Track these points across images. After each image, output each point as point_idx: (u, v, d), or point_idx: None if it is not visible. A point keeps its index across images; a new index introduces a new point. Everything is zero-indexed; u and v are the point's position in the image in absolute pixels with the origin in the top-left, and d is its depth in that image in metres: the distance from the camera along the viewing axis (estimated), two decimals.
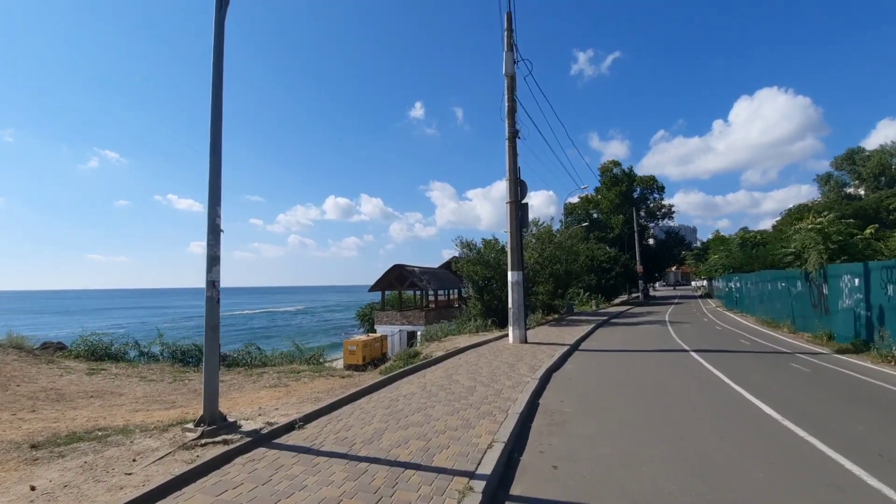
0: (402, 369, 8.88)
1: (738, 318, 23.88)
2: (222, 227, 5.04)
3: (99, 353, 9.98)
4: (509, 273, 13.92)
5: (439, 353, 11.67)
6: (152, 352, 10.48)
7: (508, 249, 13.99)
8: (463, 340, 15.12)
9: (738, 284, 29.51)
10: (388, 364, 12.56)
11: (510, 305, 13.80)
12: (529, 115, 17.22)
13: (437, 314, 41.27)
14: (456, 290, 48.83)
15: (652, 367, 9.88)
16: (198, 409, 6.11)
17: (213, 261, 4.99)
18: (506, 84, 14.28)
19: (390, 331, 40.63)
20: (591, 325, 19.63)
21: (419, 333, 38.87)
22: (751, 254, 30.22)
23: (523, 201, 14.22)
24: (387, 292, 46.05)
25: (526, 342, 13.63)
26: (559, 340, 14.37)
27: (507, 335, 15.46)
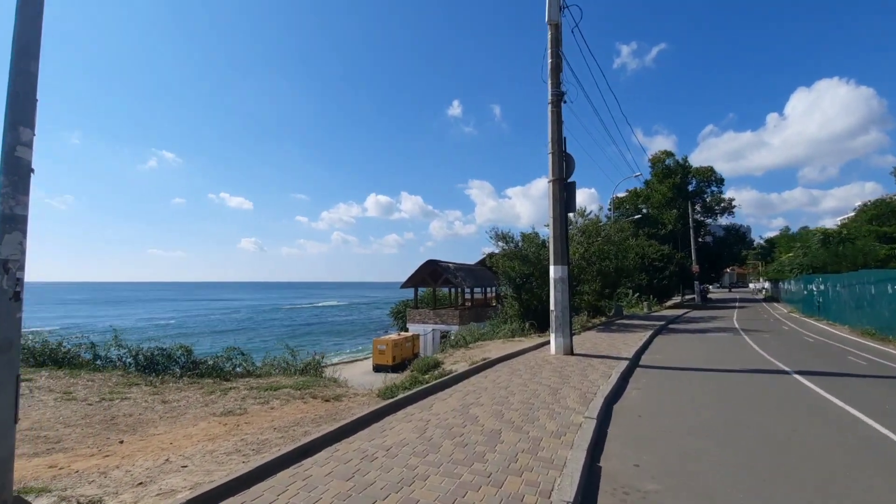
0: (403, 394, 6.53)
1: (825, 328, 20.08)
2: (33, 166, 2.81)
3: (41, 357, 8.19)
4: (551, 268, 11.29)
5: (461, 367, 9.24)
6: (110, 356, 8.62)
7: (551, 238, 11.36)
8: (494, 348, 12.62)
9: (821, 287, 25.36)
10: (397, 379, 10.28)
11: (552, 307, 11.18)
12: (577, 77, 14.29)
13: (472, 313, 38.78)
14: (493, 288, 46.19)
15: (753, 400, 7.07)
16: (88, 459, 4.02)
17: (7, 223, 2.75)
18: (549, 35, 11.63)
19: (423, 330, 38.50)
20: (648, 332, 16.61)
21: (452, 334, 36.62)
22: (836, 252, 25.95)
23: (569, 179, 11.55)
24: (420, 289, 44.00)
25: (572, 353, 10.97)
26: (613, 352, 11.61)
27: (547, 343, 12.83)
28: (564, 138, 11.58)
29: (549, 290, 21.06)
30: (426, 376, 8.45)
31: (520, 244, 20.29)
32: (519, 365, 9.41)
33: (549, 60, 11.58)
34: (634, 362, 10.49)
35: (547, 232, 25.66)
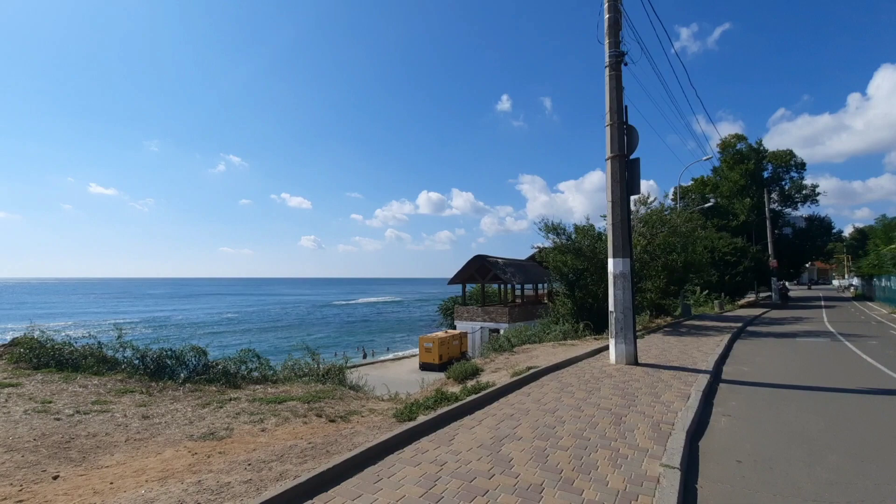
0: (421, 418, 5.21)
1: None
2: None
3: (44, 358, 7.59)
4: (610, 261, 9.56)
5: (501, 378, 7.79)
6: (123, 356, 7.92)
7: (609, 226, 9.61)
8: (543, 354, 11.04)
9: None
10: (427, 390, 9.03)
11: (611, 307, 9.45)
12: (640, 39, 12.34)
13: (522, 311, 36.96)
14: (544, 285, 44.03)
15: (891, 435, 5.14)
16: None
17: None
18: None
19: (471, 328, 37.14)
20: (725, 336, 14.34)
21: (501, 333, 35.01)
22: None
23: (632, 156, 9.74)
24: (468, 286, 42.62)
25: (636, 363, 9.20)
26: (686, 361, 9.72)
27: (605, 348, 11.08)
28: (625, 107, 9.77)
29: (606, 287, 19.12)
30: (457, 389, 7.08)
31: (573, 236, 18.44)
32: (571, 378, 7.82)
33: (606, 15, 9.80)
34: (716, 376, 8.59)
35: (604, 225, 23.53)
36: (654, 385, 7.31)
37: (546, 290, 46.27)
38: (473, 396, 6.15)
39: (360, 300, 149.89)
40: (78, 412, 5.51)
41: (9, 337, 8.41)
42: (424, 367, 33.11)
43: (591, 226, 19.53)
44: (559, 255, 17.95)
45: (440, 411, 5.31)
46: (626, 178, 9.63)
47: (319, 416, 5.87)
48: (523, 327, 21.27)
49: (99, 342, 8.26)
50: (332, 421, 5.68)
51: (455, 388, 9.40)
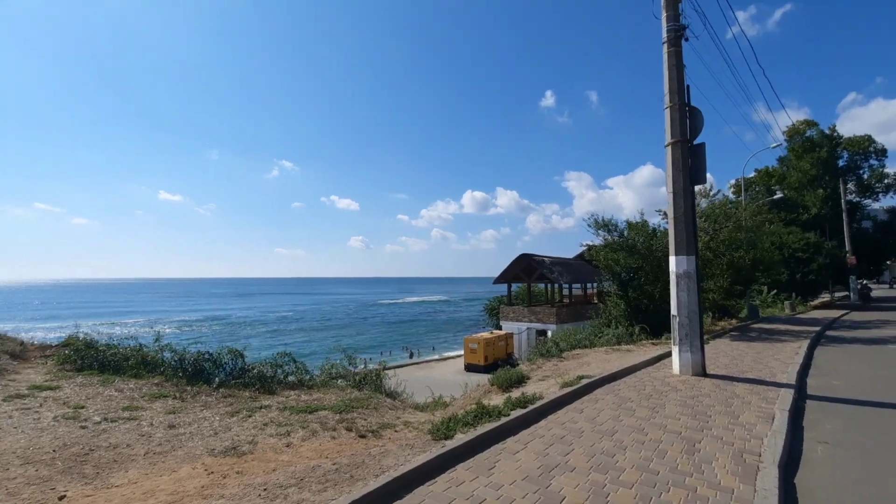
0: (459, 439, 4.62)
1: None
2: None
3: (88, 360, 7.62)
4: (672, 259, 8.57)
5: (549, 389, 7.06)
6: (163, 358, 7.86)
7: (671, 220, 8.62)
8: (595, 360, 10.17)
9: None
10: (465, 402, 8.45)
11: (674, 310, 8.47)
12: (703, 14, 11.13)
13: (571, 312, 35.60)
14: (594, 284, 42.29)
15: None
16: None
17: None
18: None
19: (517, 328, 36.17)
20: (803, 342, 12.83)
21: (549, 334, 33.76)
22: None
23: (696, 141, 8.71)
24: (514, 285, 41.61)
25: (704, 373, 8.19)
26: (762, 373, 8.59)
27: (665, 356, 10.07)
28: (687, 86, 8.75)
29: (662, 287, 17.80)
30: (500, 400, 6.43)
31: (625, 233, 17.26)
32: (629, 391, 6.97)
33: None
34: (800, 391, 7.45)
35: (659, 220, 22.06)
36: (728, 402, 6.36)
37: (595, 290, 44.51)
38: (519, 413, 5.49)
39: (407, 299, 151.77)
40: (106, 419, 5.33)
41: (80, 333, 8.55)
42: (469, 368, 32.53)
43: (645, 222, 18.26)
44: (611, 253, 16.84)
45: (480, 432, 4.69)
46: (690, 165, 8.62)
47: (349, 429, 5.41)
48: (573, 329, 20.26)
49: (140, 344, 8.25)
50: (363, 436, 5.20)
51: (498, 398, 8.76)
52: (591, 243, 19.38)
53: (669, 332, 16.18)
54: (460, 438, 4.67)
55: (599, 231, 16.95)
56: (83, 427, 5.05)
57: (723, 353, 11.04)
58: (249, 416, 5.82)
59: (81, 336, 8.35)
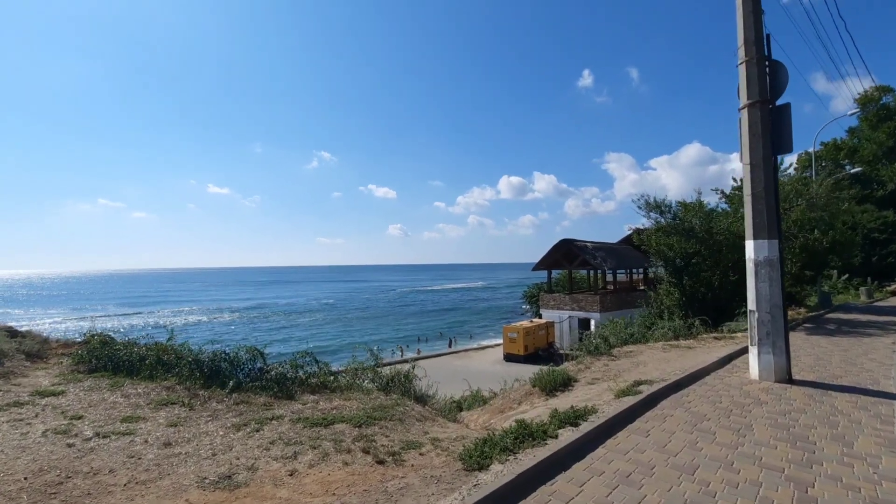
0: (494, 477, 3.69)
1: None
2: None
3: (103, 360, 7.19)
4: (750, 244, 7.23)
5: (601, 401, 6.00)
6: (175, 358, 7.33)
7: (749, 197, 7.25)
8: (651, 359, 8.99)
9: None
10: (503, 417, 7.53)
11: (751, 304, 7.15)
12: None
13: (615, 299, 33.87)
14: (639, 270, 40.19)
15: None
16: None
17: None
18: None
19: (558, 317, 34.80)
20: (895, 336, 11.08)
21: (593, 323, 32.22)
22: None
23: (777, 102, 7.28)
24: (554, 272, 40.09)
25: (790, 380, 6.87)
26: (860, 378, 7.18)
27: (737, 355, 8.75)
28: (767, 35, 7.29)
29: (721, 275, 16.13)
30: (543, 410, 5.44)
31: (679, 214, 15.70)
32: (702, 403, 5.81)
33: None
34: None
35: (716, 200, 20.12)
36: (831, 421, 5.12)
37: (641, 276, 42.31)
38: (569, 434, 4.50)
39: (445, 286, 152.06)
40: (98, 434, 4.76)
41: (99, 329, 8.23)
42: (509, 358, 31.59)
43: (701, 202, 16.55)
44: (663, 236, 15.35)
45: (523, 467, 3.74)
46: (771, 130, 7.21)
47: (367, 451, 4.60)
48: (619, 319, 18.93)
49: (156, 342, 7.78)
50: (381, 462, 4.37)
51: (541, 403, 7.78)
52: (639, 226, 17.87)
53: (730, 323, 14.64)
54: (497, 472, 3.75)
55: (650, 213, 15.50)
56: (70, 445, 4.47)
57: (803, 350, 9.57)
58: (257, 431, 5.12)
59: (98, 334, 7.97)
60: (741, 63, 7.43)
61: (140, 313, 78.97)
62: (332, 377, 7.80)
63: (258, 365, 7.56)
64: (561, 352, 32.40)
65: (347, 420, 5.59)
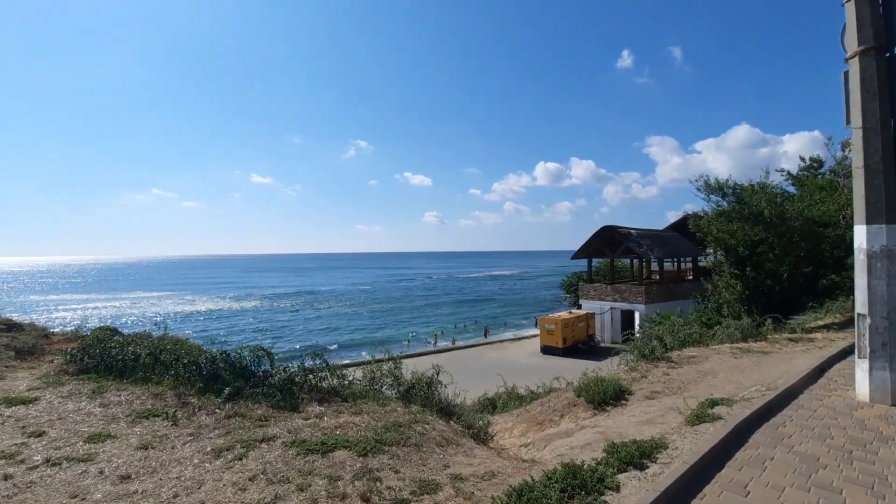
0: None
1: None
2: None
3: (94, 360, 6.51)
4: (861, 230, 5.69)
5: (676, 439, 4.71)
6: (172, 360, 6.57)
7: (860, 169, 5.69)
8: (721, 368, 7.57)
9: None
10: (537, 409, 6.39)
11: (860, 307, 5.64)
12: None
13: (661, 290, 31.77)
14: (689, 259, 37.68)
15: None
16: None
17: None
18: None
19: (599, 308, 33.01)
20: None
21: (637, 315, 30.31)
22: None
23: None
24: (595, 260, 38.10)
25: None
26: None
27: (829, 363, 7.20)
28: None
29: (791, 266, 14.21)
30: (592, 438, 4.26)
31: (744, 197, 13.88)
32: (806, 438, 4.45)
33: None
34: None
35: (781, 181, 17.91)
36: None
37: (689, 265, 39.73)
38: (636, 495, 3.31)
39: (482, 273, 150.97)
40: (49, 461, 3.96)
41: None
42: (546, 350, 30.17)
43: (765, 183, 14.62)
44: (726, 222, 13.60)
45: None
46: (889, 85, 5.62)
47: (366, 499, 3.57)
48: (670, 312, 17.32)
49: (159, 337, 7.09)
50: None
51: (587, 417, 6.57)
52: (701, 211, 16.08)
53: (798, 317, 12.84)
54: None
55: (711, 196, 13.72)
56: (7, 477, 3.66)
57: None
58: (239, 460, 4.19)
59: (101, 328, 7.36)
60: (845, 1, 5.84)
61: (188, 299, 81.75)
62: (346, 381, 6.85)
63: (263, 367, 6.69)
64: (602, 345, 30.75)
65: (351, 445, 4.58)
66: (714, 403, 5.39)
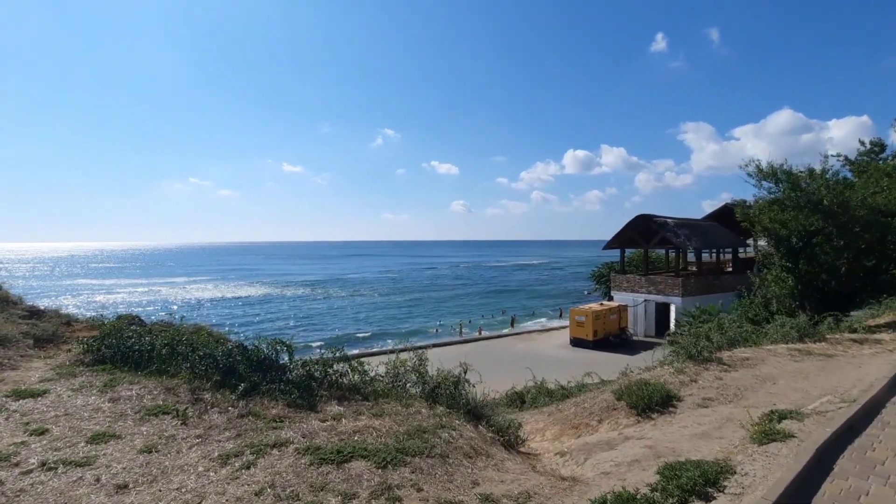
0: None
1: None
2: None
3: (110, 350, 6.29)
4: None
5: (744, 461, 4.07)
6: (188, 352, 6.29)
7: None
8: (780, 373, 6.80)
9: None
10: (572, 411, 5.82)
11: None
12: None
13: (700, 283, 30.35)
14: (729, 251, 35.93)
15: None
16: None
17: None
18: None
19: (632, 300, 31.84)
20: None
21: (673, 308, 29.06)
22: None
23: None
24: (628, 251, 36.74)
25: None
26: None
27: (887, 360, 6.33)
28: None
29: (853, 259, 13.03)
30: (644, 465, 3.68)
31: (800, 184, 12.76)
32: None
33: None
34: None
35: (836, 166, 16.54)
36: None
37: (729, 257, 37.90)
38: None
39: (509, 262, 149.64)
40: (44, 464, 3.67)
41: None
42: (576, 343, 29.33)
43: (823, 169, 13.39)
44: (778, 211, 12.52)
45: None
46: None
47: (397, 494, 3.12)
48: (709, 306, 16.34)
49: (172, 329, 6.81)
50: None
51: (629, 423, 5.97)
52: (731, 200, 14.97)
53: (856, 313, 11.75)
54: None
55: (763, 182, 12.64)
56: None
57: None
58: (247, 468, 3.81)
59: (123, 316, 7.17)
60: None
61: (222, 286, 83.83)
62: (368, 377, 6.44)
63: (282, 361, 6.34)
64: (634, 338, 29.70)
65: (370, 455, 4.13)
66: (781, 417, 4.71)
